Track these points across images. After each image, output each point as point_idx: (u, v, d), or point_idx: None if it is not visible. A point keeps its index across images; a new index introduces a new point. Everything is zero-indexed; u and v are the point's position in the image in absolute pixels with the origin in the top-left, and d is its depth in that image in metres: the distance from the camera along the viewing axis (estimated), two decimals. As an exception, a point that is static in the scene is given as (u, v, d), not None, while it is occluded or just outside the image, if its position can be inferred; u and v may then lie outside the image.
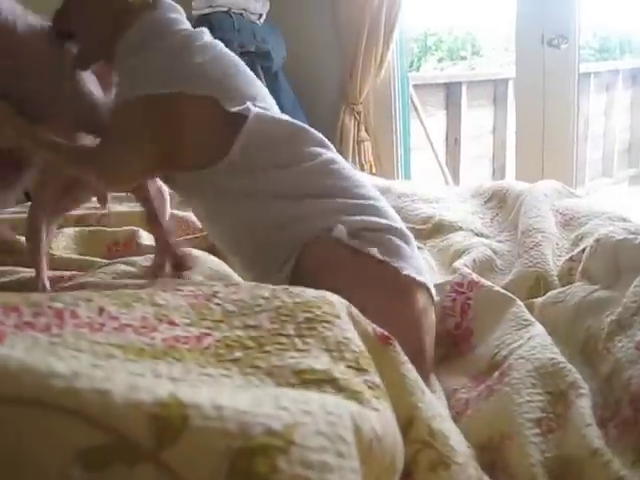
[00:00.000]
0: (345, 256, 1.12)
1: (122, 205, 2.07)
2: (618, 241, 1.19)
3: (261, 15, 3.70)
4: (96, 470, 0.43)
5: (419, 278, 1.12)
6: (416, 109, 4.38)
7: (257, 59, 3.60)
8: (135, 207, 1.78)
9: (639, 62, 5.89)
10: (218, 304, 0.69)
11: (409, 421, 0.72)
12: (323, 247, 1.14)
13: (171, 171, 1.30)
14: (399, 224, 1.22)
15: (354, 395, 0.58)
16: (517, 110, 3.63)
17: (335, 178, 1.23)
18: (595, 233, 1.34)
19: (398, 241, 1.16)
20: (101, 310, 0.63)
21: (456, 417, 0.97)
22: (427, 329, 1.11)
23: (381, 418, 0.57)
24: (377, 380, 0.64)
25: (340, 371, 0.60)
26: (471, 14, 6.16)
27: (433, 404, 0.78)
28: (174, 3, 1.32)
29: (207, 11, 3.51)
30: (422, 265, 1.20)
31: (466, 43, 6.86)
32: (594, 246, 1.24)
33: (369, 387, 0.61)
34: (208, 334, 0.63)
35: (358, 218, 1.17)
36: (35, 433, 0.43)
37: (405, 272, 1.11)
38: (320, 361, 0.60)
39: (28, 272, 1.41)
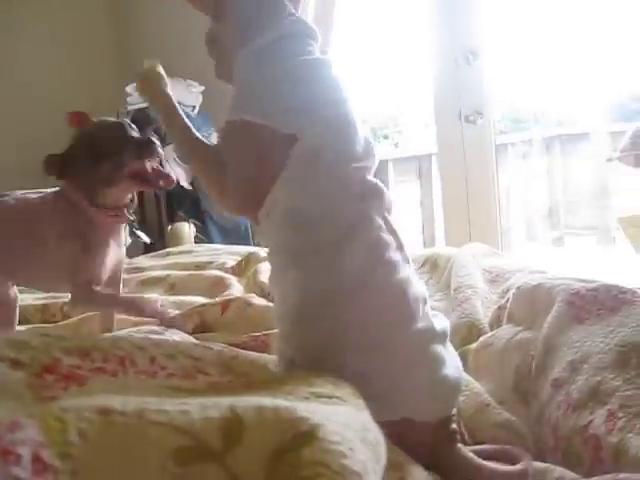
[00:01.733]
0: None
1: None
2: (533, 287, 1.35)
3: (194, 107, 3.88)
4: (184, 465, 0.57)
5: None
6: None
7: (193, 149, 3.77)
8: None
9: (551, 131, 6.24)
10: (239, 363, 0.86)
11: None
12: None
13: None
14: None
15: (357, 405, 0.73)
16: (442, 184, 3.84)
17: None
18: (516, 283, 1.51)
19: None
20: (152, 359, 0.79)
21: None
22: None
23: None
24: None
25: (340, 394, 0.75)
26: (391, 95, 6.45)
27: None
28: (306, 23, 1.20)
29: (143, 105, 3.68)
30: None
31: (388, 122, 7.17)
32: (515, 293, 1.41)
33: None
34: (236, 380, 0.79)
35: None
36: (140, 434, 0.58)
37: None
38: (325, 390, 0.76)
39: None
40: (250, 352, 1.17)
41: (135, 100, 3.70)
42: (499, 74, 3.78)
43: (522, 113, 6.57)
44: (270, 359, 1.08)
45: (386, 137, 7.15)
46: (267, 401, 0.64)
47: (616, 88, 5.12)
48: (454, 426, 1.04)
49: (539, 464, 0.99)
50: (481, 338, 1.43)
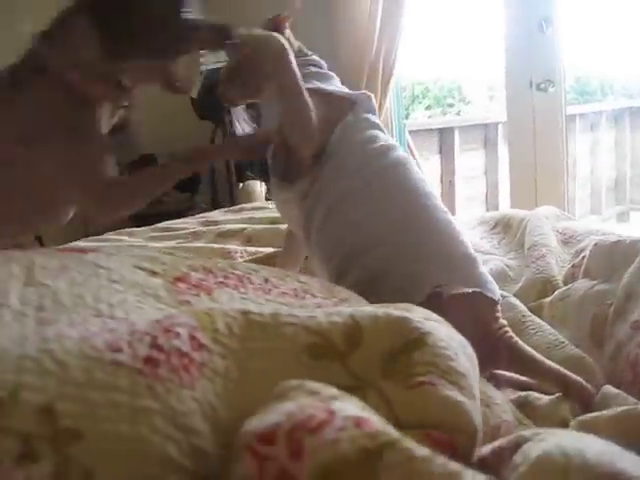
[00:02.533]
0: None
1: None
2: (613, 243, 1.40)
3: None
4: (316, 359, 0.65)
5: None
6: (412, 154, 4.62)
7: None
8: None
9: (620, 103, 6.17)
10: (339, 290, 0.93)
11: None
12: None
13: None
14: None
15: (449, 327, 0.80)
16: (510, 151, 3.86)
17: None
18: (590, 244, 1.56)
19: None
20: (266, 280, 0.88)
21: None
22: None
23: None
24: None
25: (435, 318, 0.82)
26: (456, 64, 6.44)
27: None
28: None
29: (217, 65, 3.74)
30: None
31: (452, 91, 7.16)
32: (593, 249, 1.45)
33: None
34: (339, 303, 0.86)
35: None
36: (276, 331, 0.66)
37: None
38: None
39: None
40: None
41: (209, 59, 3.76)
42: (571, 43, 3.75)
43: (590, 85, 6.51)
44: None
45: (450, 105, 7.15)
46: (381, 311, 0.71)
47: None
48: (504, 321, 1.23)
49: (611, 389, 1.05)
50: (557, 291, 1.48)
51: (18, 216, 1.39)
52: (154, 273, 0.79)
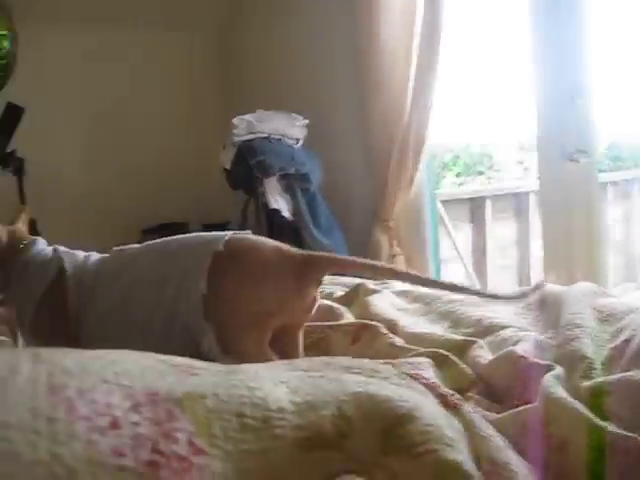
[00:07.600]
0: None
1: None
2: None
3: (298, 140, 3.95)
4: (308, 451, 0.73)
5: None
6: (444, 223, 4.60)
7: (296, 181, 3.83)
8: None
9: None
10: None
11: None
12: None
13: None
14: None
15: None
16: (542, 222, 3.82)
17: None
18: (633, 324, 1.51)
19: None
20: None
21: None
22: None
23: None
24: None
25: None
26: (485, 132, 6.44)
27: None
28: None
29: (249, 137, 3.77)
30: None
31: (483, 158, 7.16)
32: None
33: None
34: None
35: None
36: (267, 433, 0.74)
37: None
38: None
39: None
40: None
41: (241, 132, 3.79)
42: (603, 110, 3.74)
43: (623, 151, 6.48)
44: None
45: (481, 173, 7.14)
46: (364, 395, 0.79)
47: None
48: None
49: None
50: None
51: None
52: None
